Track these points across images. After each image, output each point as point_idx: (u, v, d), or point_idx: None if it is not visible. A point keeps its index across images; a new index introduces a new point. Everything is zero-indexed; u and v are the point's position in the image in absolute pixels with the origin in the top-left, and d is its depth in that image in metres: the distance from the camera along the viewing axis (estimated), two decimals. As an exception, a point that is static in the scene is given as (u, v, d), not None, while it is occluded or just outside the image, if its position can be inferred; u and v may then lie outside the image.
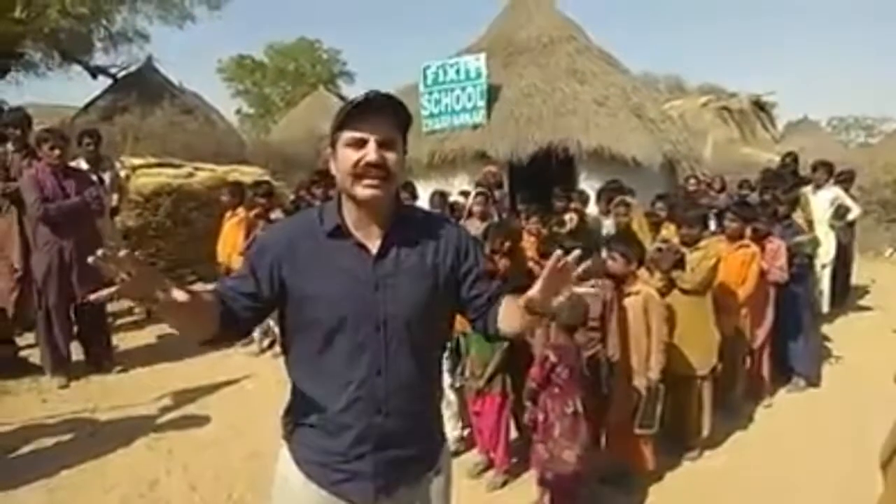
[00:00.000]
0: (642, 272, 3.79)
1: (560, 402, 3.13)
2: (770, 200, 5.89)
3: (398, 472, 1.66)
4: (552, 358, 3.11)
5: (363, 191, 1.53)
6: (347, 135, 1.53)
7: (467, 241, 1.74)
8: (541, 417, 3.15)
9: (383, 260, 1.59)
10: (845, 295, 7.83)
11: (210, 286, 1.64)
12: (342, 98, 25.42)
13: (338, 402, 1.59)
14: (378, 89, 1.56)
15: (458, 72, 9.61)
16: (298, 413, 1.69)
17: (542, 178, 8.53)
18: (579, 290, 1.47)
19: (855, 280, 8.69)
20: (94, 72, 17.79)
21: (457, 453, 3.84)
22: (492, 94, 9.61)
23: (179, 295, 1.32)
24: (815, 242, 5.80)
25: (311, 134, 16.04)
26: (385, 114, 1.53)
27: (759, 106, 20.34)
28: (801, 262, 5.15)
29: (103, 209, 5.70)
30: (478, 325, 1.74)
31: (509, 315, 1.64)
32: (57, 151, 4.90)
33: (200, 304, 1.45)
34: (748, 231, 4.78)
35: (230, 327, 1.55)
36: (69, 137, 5.40)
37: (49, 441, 4.12)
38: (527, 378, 3.33)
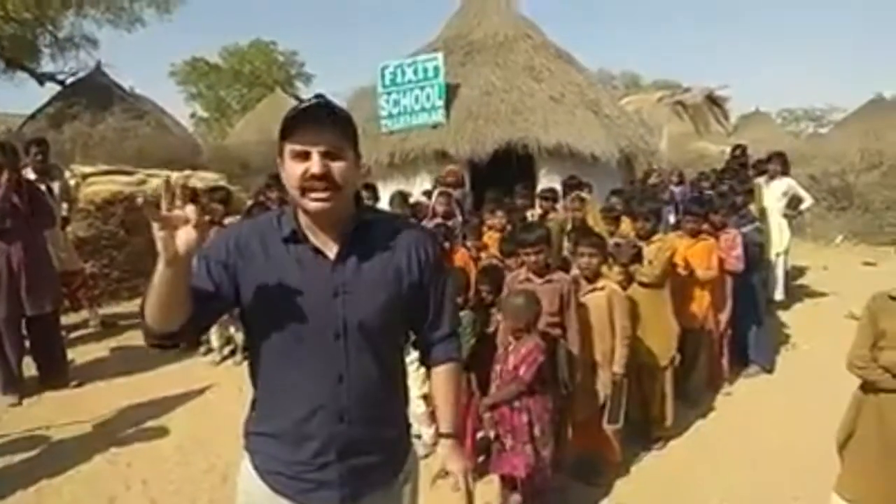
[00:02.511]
0: (604, 268, 3.83)
1: (542, 401, 3.14)
2: (727, 192, 6.03)
3: (364, 479, 1.64)
4: (540, 358, 3.09)
5: (311, 203, 1.50)
6: (290, 147, 1.49)
7: (436, 258, 1.72)
8: (524, 419, 3.11)
9: (342, 266, 1.56)
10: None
11: None
12: (299, 100, 25.07)
13: (300, 411, 1.57)
14: (323, 94, 1.53)
15: (415, 71, 9.56)
16: (261, 423, 1.66)
17: (503, 176, 8.55)
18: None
19: (808, 268, 8.96)
20: (42, 78, 17.30)
21: (426, 456, 3.82)
22: (450, 93, 9.59)
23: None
24: (763, 231, 5.94)
25: (268, 137, 15.75)
26: (328, 123, 1.49)
27: (713, 100, 20.75)
28: (752, 252, 5.27)
29: (54, 220, 5.53)
30: (417, 346, 1.83)
31: (436, 386, 1.83)
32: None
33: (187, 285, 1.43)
34: (705, 224, 4.89)
35: (192, 322, 1.48)
36: (17, 149, 5.23)
37: (2, 461, 3.98)
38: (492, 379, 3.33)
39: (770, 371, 5.38)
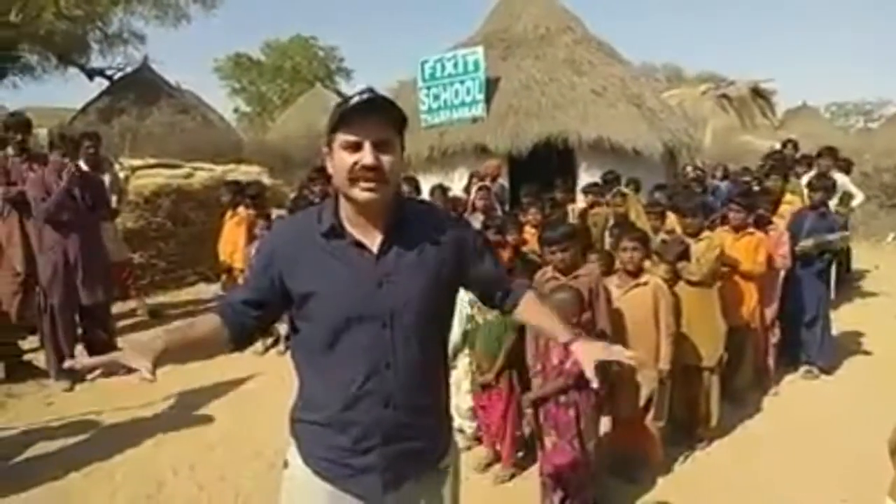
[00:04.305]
0: (647, 262, 3.77)
1: (587, 395, 3.12)
2: (771, 188, 5.83)
3: (406, 465, 1.67)
4: None
5: (361, 193, 1.53)
6: (342, 137, 1.52)
7: (475, 241, 1.78)
8: (572, 414, 3.09)
9: (385, 257, 1.60)
10: (843, 282, 7.80)
11: (213, 287, 1.69)
12: (340, 94, 25.38)
13: (346, 397, 1.60)
14: (373, 87, 1.57)
15: (455, 65, 9.56)
16: (306, 409, 1.70)
17: (543, 171, 8.50)
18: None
19: (858, 266, 8.68)
20: (91, 73, 17.78)
21: (467, 449, 3.85)
22: (490, 87, 9.56)
23: (150, 357, 1.42)
24: (847, 238, 5.58)
25: (309, 131, 15.98)
26: (379, 114, 1.52)
27: (758, 93, 20.26)
28: (828, 258, 5.10)
29: (111, 212, 5.72)
30: (493, 304, 1.89)
31: (531, 313, 1.85)
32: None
33: (189, 342, 1.56)
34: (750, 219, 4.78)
35: (241, 339, 1.64)
36: (78, 142, 5.44)
37: (55, 444, 4.12)
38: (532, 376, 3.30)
39: (829, 372, 5.22)
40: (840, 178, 7.02)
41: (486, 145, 9.08)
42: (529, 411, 3.28)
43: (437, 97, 9.69)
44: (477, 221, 5.16)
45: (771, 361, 4.97)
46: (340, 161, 1.53)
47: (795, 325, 5.15)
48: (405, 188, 6.21)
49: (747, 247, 4.54)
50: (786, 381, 5.07)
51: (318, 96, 23.51)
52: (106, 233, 6.04)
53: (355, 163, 1.50)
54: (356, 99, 1.51)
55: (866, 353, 5.53)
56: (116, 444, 4.10)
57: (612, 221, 5.70)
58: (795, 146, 8.29)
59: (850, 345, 5.87)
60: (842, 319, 6.59)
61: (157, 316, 7.02)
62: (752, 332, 4.66)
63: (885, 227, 12.34)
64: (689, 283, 3.90)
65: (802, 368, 5.18)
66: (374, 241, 1.60)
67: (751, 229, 4.65)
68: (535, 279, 3.61)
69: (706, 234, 4.22)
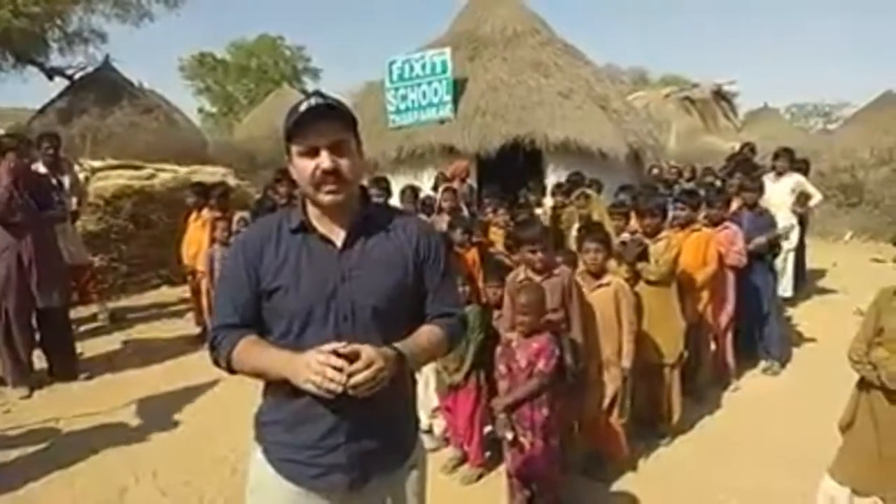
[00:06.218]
0: (610, 263, 3.82)
1: (557, 394, 3.15)
2: (725, 188, 6.00)
3: (371, 462, 1.67)
4: (557, 350, 3.10)
5: (325, 197, 1.60)
6: (298, 145, 1.58)
7: (436, 245, 1.78)
8: (545, 412, 3.10)
9: (349, 251, 1.64)
10: (802, 279, 7.99)
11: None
12: (306, 93, 25.15)
13: (309, 393, 1.57)
14: (319, 90, 1.60)
15: (423, 66, 9.58)
16: (271, 411, 1.70)
17: (510, 171, 8.57)
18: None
19: (816, 264, 8.90)
20: (50, 73, 17.31)
21: (435, 450, 3.85)
22: (457, 88, 9.60)
23: None
24: (791, 229, 5.88)
25: (275, 132, 15.76)
26: (329, 118, 1.57)
27: (721, 95, 20.70)
28: (775, 252, 5.26)
29: (66, 214, 5.58)
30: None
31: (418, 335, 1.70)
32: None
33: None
34: (701, 218, 4.94)
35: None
36: (31, 141, 5.31)
37: (13, 453, 4.02)
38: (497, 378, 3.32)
39: (784, 364, 5.36)
40: (798, 178, 7.19)
41: (454, 146, 9.12)
42: (503, 416, 3.23)
43: (404, 98, 9.70)
44: (443, 222, 5.17)
45: (730, 358, 5.07)
46: (301, 168, 1.59)
47: (749, 321, 5.28)
48: (374, 190, 6.20)
49: (697, 244, 4.59)
50: (745, 378, 5.18)
51: (285, 96, 23.19)
52: (66, 235, 5.92)
53: (315, 168, 1.56)
54: (304, 106, 1.56)
55: (825, 349, 5.66)
56: (76, 451, 4.02)
57: (576, 223, 5.76)
58: (753, 149, 8.53)
59: (809, 341, 6.01)
60: (801, 316, 6.76)
61: (119, 320, 6.89)
62: (710, 329, 4.76)
63: (843, 225, 12.67)
64: (649, 282, 3.97)
65: (762, 364, 5.31)
66: (338, 236, 1.65)
67: (698, 226, 4.75)
68: (508, 281, 3.63)
69: (665, 233, 4.28)
